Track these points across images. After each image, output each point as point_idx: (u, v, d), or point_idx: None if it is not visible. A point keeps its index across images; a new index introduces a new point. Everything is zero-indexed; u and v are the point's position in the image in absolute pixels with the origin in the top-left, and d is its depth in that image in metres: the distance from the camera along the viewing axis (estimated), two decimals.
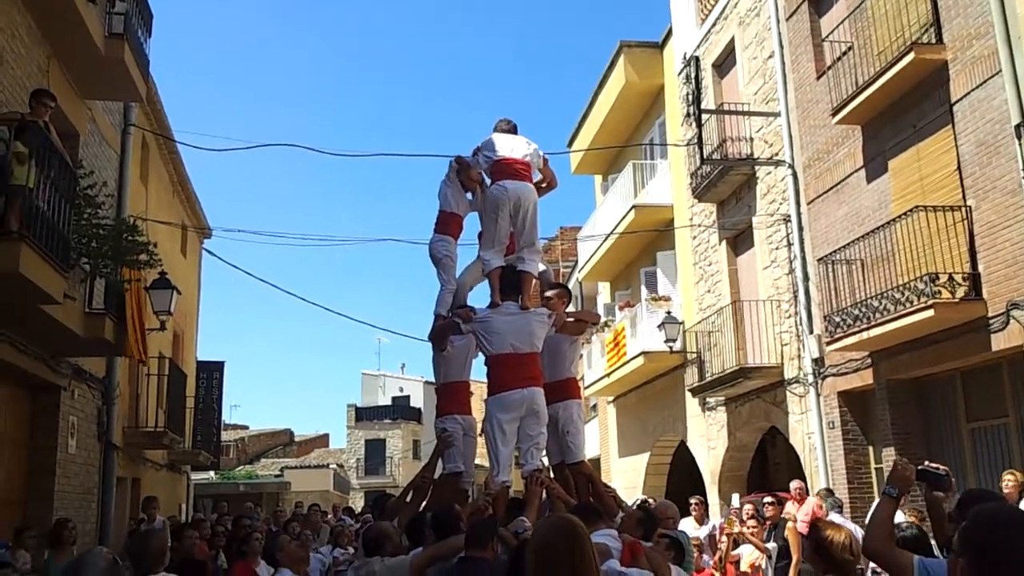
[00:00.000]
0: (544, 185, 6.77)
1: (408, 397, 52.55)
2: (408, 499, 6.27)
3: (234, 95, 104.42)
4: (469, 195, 6.73)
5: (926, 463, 3.42)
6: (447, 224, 6.56)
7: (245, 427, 50.47)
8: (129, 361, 12.19)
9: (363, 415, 51.07)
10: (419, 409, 50.68)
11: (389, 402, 52.64)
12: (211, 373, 18.60)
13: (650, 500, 7.74)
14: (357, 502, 39.68)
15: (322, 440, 56.55)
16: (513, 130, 6.58)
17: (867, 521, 3.18)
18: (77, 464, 10.53)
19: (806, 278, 12.91)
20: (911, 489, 3.25)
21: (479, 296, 6.64)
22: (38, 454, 9.69)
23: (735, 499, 12.03)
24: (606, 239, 19.07)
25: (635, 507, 6.36)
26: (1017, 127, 8.77)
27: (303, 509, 14.64)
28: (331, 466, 43.20)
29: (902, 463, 3.19)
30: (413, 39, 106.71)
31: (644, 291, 18.77)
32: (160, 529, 10.88)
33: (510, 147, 6.38)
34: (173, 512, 15.47)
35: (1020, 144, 8.72)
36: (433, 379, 6.66)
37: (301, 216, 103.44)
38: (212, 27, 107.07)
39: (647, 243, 18.75)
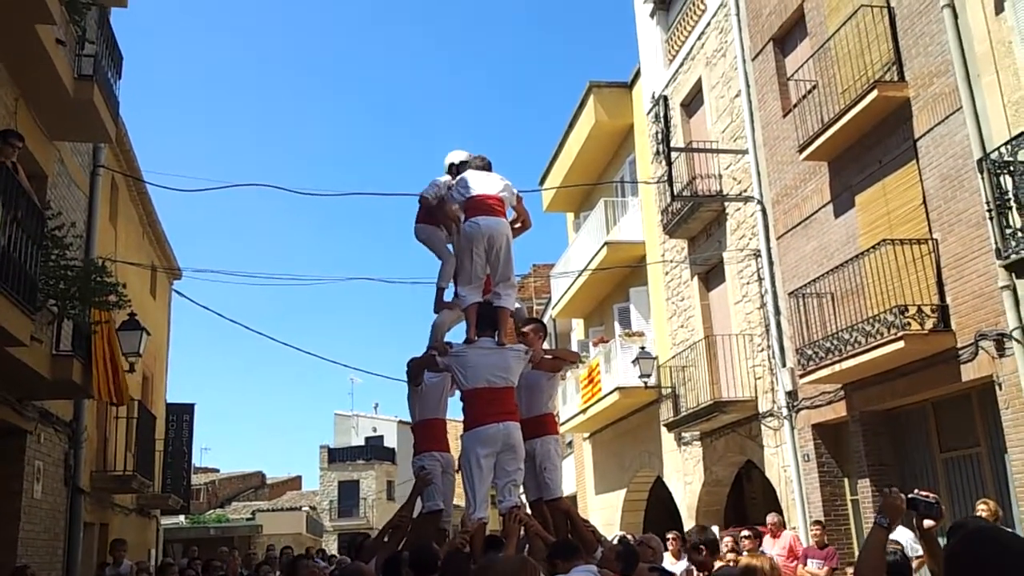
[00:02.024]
0: (518, 225, 6.80)
1: (382, 437, 52.01)
2: (386, 539, 6.18)
3: (205, 134, 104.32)
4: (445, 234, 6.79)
5: (916, 491, 3.42)
6: (430, 213, 6.66)
7: (216, 470, 49.69)
8: (97, 404, 11.98)
9: (336, 456, 50.41)
10: (393, 449, 50.15)
11: (362, 442, 52.03)
12: (181, 415, 18.33)
13: (629, 536, 7.69)
14: (331, 544, 39.08)
15: (294, 482, 55.74)
16: (487, 167, 6.63)
17: (859, 551, 3.19)
18: (43, 510, 10.28)
19: (777, 312, 13.03)
20: (901, 518, 3.24)
21: (456, 333, 6.64)
22: (3, 500, 9.43)
23: (714, 531, 11.98)
24: (579, 276, 19.15)
25: (615, 542, 6.31)
26: (979, 161, 8.97)
27: (275, 552, 14.39)
28: (304, 508, 42.57)
29: (892, 492, 3.19)
30: (386, 77, 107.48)
31: (617, 327, 18.82)
32: (125, 574, 10.62)
33: (484, 184, 6.40)
34: (142, 557, 15.12)
35: (983, 178, 8.91)
36: (407, 419, 6.65)
37: (272, 255, 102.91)
38: (181, 67, 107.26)
39: (620, 279, 18.85)
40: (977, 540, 1.94)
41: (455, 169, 6.75)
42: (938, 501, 3.44)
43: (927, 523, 3.46)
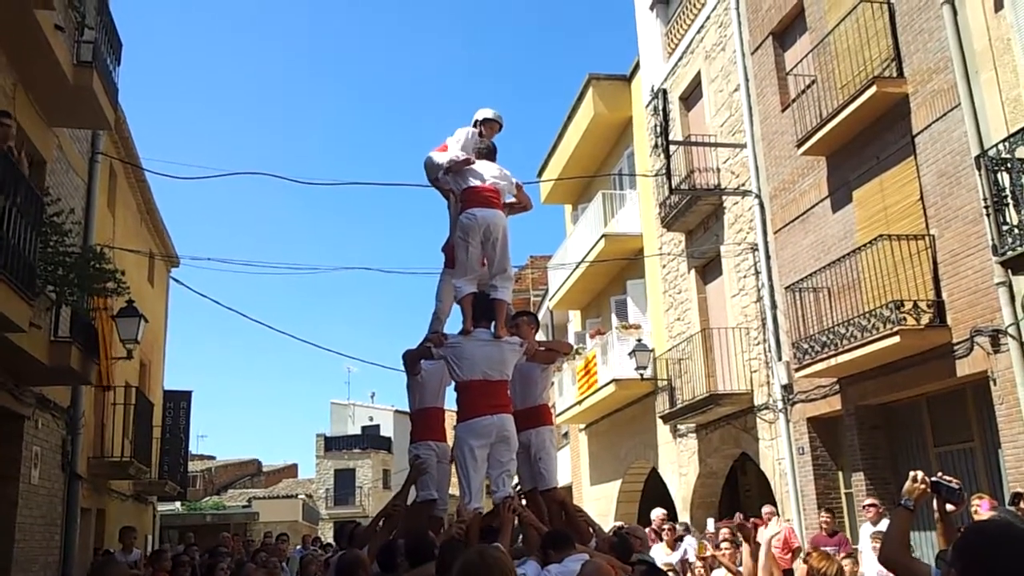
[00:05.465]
0: (519, 206, 6.84)
1: (378, 426, 52.11)
2: (379, 527, 6.21)
3: (205, 121, 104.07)
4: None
5: (939, 475, 3.44)
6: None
7: (212, 457, 49.77)
8: (95, 390, 12.01)
9: (332, 444, 50.50)
10: (389, 438, 50.26)
11: (359, 431, 52.14)
12: (178, 402, 18.38)
13: (625, 526, 7.74)
14: (326, 532, 39.20)
15: (291, 470, 55.83)
16: (490, 155, 6.61)
17: (884, 533, 3.19)
18: (40, 495, 10.32)
19: (774, 306, 13.07)
20: (924, 501, 3.26)
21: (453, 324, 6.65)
22: (0, 485, 9.48)
23: (710, 523, 12.06)
24: (576, 268, 19.18)
25: (610, 533, 6.36)
26: (977, 158, 8.98)
27: (272, 539, 14.45)
28: (300, 496, 42.65)
29: (917, 476, 3.21)
30: (386, 67, 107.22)
31: (614, 319, 18.86)
32: (123, 560, 10.65)
33: (481, 174, 6.40)
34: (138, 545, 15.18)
35: (980, 175, 8.93)
36: (403, 408, 6.67)
37: (271, 243, 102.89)
38: (181, 53, 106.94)
39: (617, 272, 18.88)
40: (994, 535, 1.96)
41: (478, 125, 6.77)
42: (961, 487, 3.46)
43: (949, 507, 3.47)
